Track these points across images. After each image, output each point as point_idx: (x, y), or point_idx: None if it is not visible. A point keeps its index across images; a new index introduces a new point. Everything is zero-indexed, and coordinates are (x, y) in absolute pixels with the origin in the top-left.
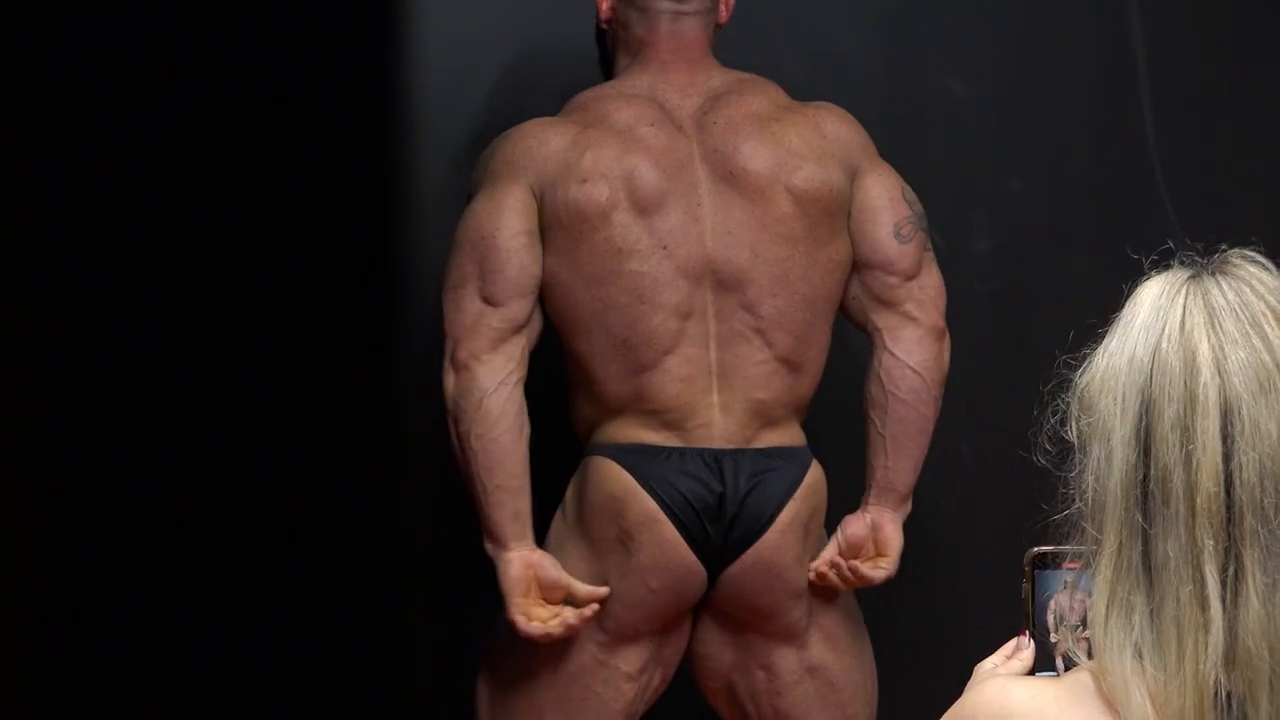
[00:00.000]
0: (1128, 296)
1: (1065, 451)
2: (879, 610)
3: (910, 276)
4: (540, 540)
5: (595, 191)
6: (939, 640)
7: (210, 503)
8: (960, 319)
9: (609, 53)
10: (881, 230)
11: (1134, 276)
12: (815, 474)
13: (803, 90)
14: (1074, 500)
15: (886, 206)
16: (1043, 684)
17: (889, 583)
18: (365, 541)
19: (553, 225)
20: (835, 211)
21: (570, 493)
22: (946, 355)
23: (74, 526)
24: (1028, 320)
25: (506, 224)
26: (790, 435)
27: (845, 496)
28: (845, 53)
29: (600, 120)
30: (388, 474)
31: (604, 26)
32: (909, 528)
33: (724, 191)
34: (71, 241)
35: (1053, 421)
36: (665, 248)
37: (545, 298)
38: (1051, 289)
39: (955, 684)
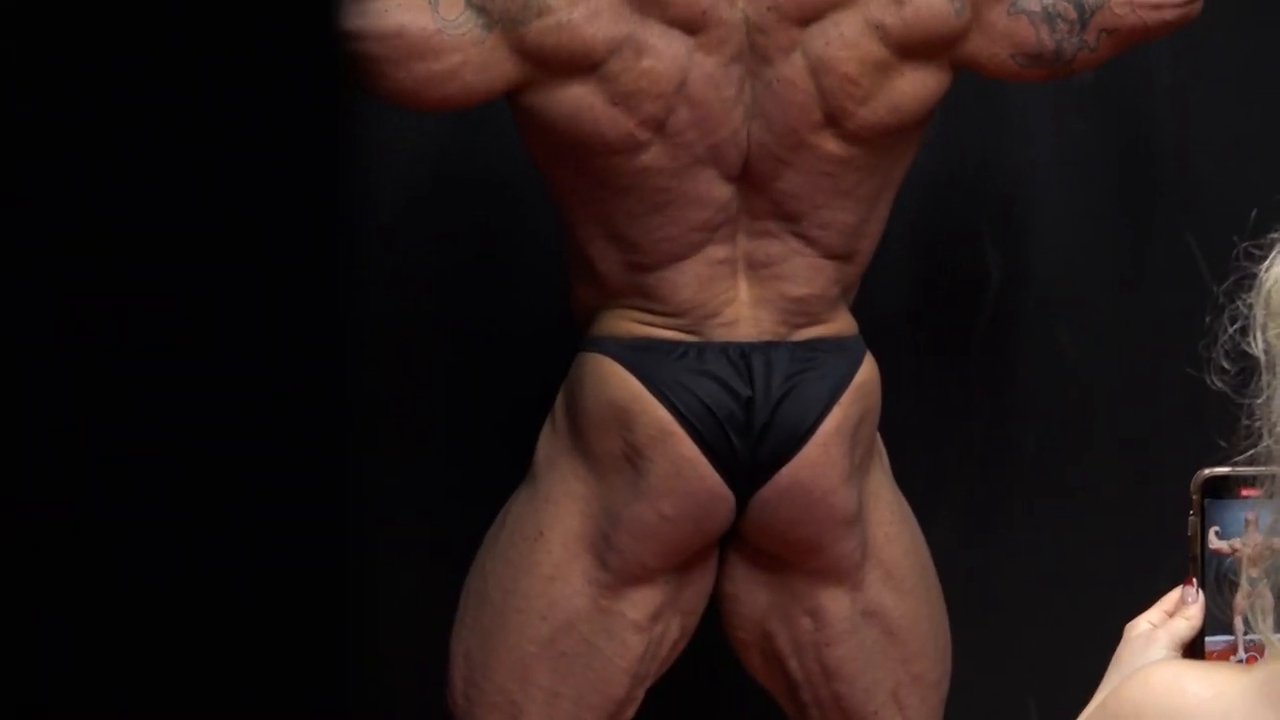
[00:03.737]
0: None
1: (1248, 371)
2: (961, 548)
3: (1070, 54)
4: (527, 457)
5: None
6: (1042, 585)
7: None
8: (1078, 183)
9: None
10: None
11: None
12: (868, 370)
13: None
14: (1261, 435)
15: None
16: (1229, 675)
17: (987, 511)
18: (320, 485)
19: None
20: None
21: (562, 398)
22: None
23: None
24: (1187, 191)
25: None
26: (838, 324)
27: (901, 398)
28: None
29: None
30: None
31: None
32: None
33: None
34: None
35: (1231, 331)
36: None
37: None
38: (1216, 148)
39: (1072, 644)
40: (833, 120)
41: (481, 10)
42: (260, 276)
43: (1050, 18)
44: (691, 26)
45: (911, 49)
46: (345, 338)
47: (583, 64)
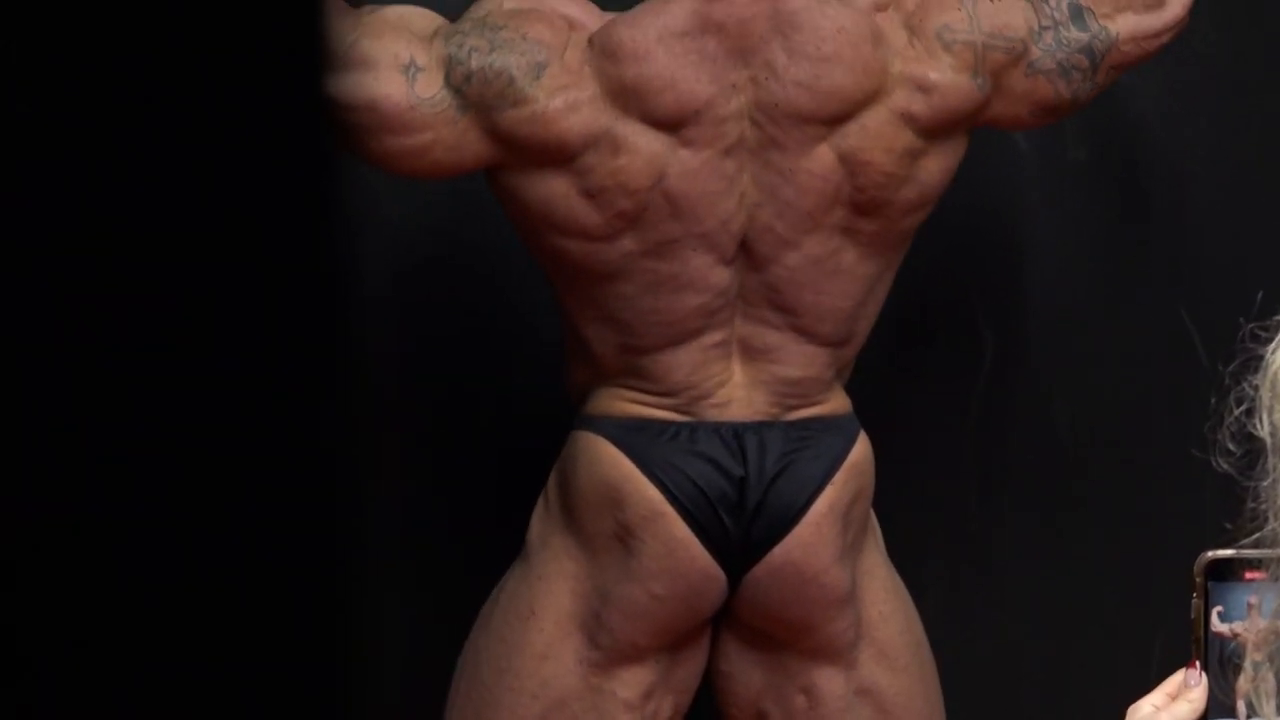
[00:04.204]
0: None
1: (1254, 453)
2: (955, 625)
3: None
4: (521, 534)
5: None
6: (1040, 664)
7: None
8: (1084, 264)
9: None
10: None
11: None
12: (861, 449)
13: None
14: (1266, 517)
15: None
16: None
17: (980, 589)
18: (313, 570)
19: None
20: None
21: (555, 477)
22: None
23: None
24: (1181, 268)
25: None
26: (832, 404)
27: (895, 475)
28: None
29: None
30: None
31: None
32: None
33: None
34: None
35: (1237, 414)
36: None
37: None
38: (1211, 226)
39: None
40: (859, 207)
41: (458, 91)
42: (247, 359)
43: (1066, 71)
44: (674, 124)
45: (939, 131)
46: (338, 413)
47: (556, 156)
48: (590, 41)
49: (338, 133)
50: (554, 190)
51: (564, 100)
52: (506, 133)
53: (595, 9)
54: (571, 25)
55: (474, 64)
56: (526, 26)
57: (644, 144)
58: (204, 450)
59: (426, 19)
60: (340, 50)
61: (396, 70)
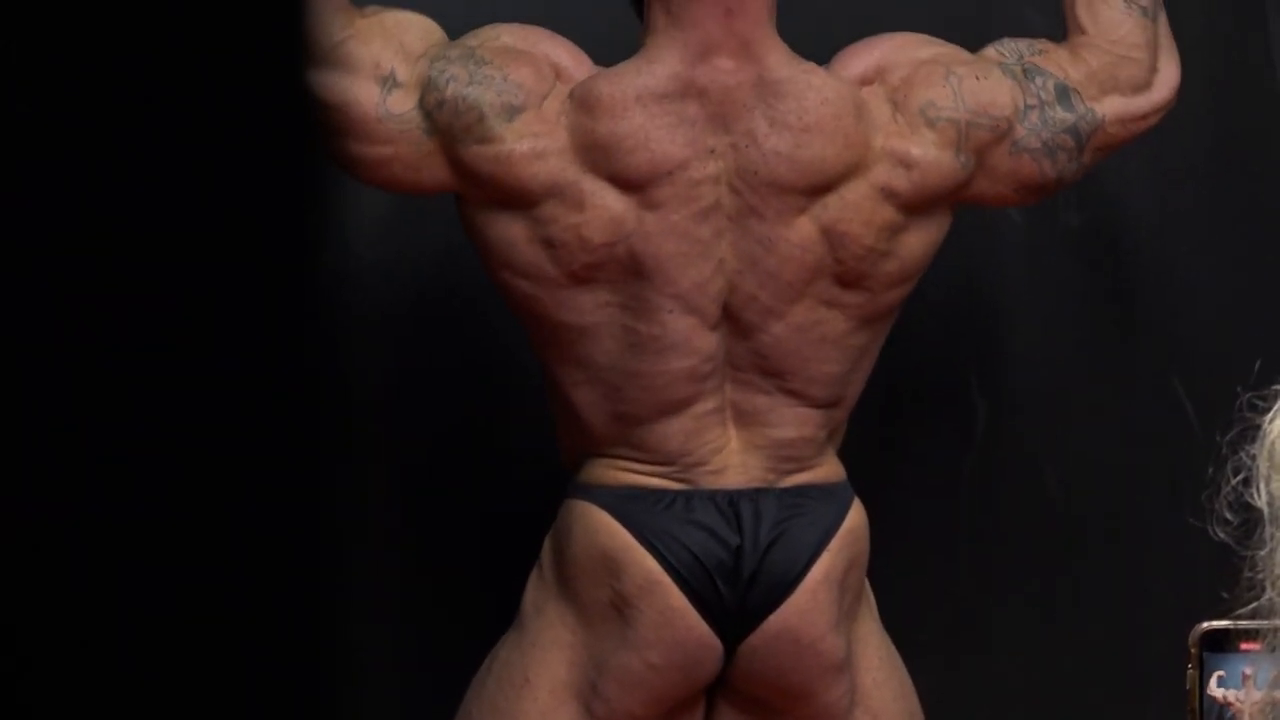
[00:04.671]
0: None
1: (1251, 522)
2: (948, 692)
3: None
4: (514, 603)
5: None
6: None
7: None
8: (1077, 331)
9: None
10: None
11: None
12: (856, 516)
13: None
14: (1263, 586)
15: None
16: None
17: (973, 656)
18: (303, 640)
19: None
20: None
21: (549, 545)
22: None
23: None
24: (1172, 336)
25: None
26: (826, 470)
27: (888, 542)
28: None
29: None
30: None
31: None
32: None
33: None
34: None
35: (1234, 483)
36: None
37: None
38: (1201, 295)
39: None
40: (841, 280)
41: (429, 115)
42: (230, 426)
43: (1051, 151)
44: (642, 184)
45: (920, 207)
46: (325, 478)
47: (516, 200)
48: (571, 93)
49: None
50: (513, 233)
51: (531, 147)
52: (468, 166)
53: (587, 60)
54: (559, 74)
55: (449, 92)
56: (511, 67)
57: (608, 202)
58: (171, 511)
59: (422, 33)
60: (328, 45)
61: (374, 80)
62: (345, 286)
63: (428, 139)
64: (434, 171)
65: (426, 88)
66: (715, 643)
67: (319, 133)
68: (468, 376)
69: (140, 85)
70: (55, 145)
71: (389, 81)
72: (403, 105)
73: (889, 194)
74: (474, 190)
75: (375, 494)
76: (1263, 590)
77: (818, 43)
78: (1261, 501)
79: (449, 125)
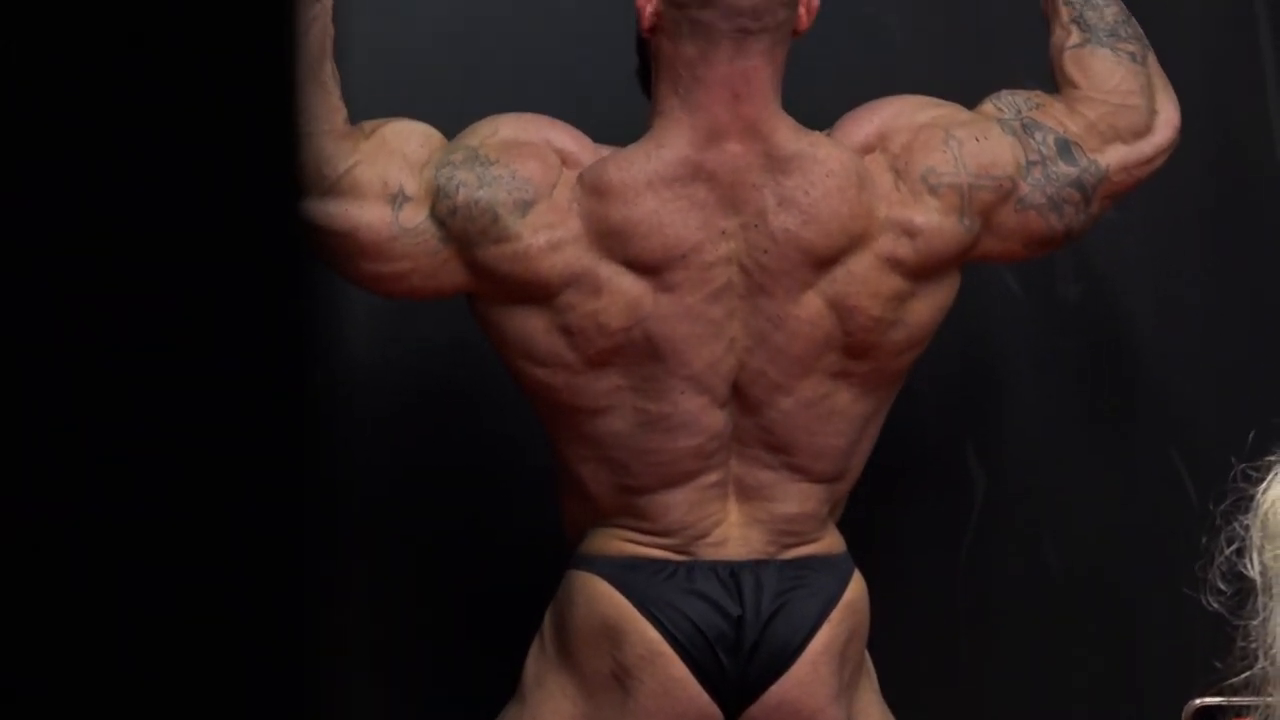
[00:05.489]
0: None
1: (1244, 592)
2: None
3: (1077, 227)
4: (515, 676)
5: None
6: None
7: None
8: (1074, 402)
9: (648, 65)
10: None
11: None
12: (856, 588)
13: (857, 89)
14: (1256, 657)
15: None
16: None
17: None
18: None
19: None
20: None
21: (550, 616)
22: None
23: None
24: (1170, 407)
25: None
26: (827, 542)
27: (887, 613)
28: (909, 52)
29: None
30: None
31: (645, 35)
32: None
33: None
34: None
35: (1228, 553)
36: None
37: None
38: (1198, 365)
39: None
40: (850, 351)
41: (442, 223)
42: (225, 499)
43: (1057, 205)
44: (658, 267)
45: (926, 273)
46: (324, 550)
47: (536, 293)
48: (580, 178)
49: (319, 253)
50: (532, 325)
51: (547, 239)
52: (487, 267)
53: (589, 142)
54: (564, 160)
55: (460, 198)
56: (518, 163)
57: (625, 286)
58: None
59: (422, 140)
60: (334, 177)
61: (383, 200)
62: (341, 385)
63: (444, 247)
64: (452, 276)
65: (437, 196)
66: (716, 713)
67: (318, 244)
68: (468, 462)
69: (140, 199)
70: (50, 273)
71: (399, 198)
72: (415, 218)
73: (894, 263)
74: (492, 288)
75: (377, 567)
76: (1256, 660)
77: (821, 105)
78: (1254, 571)
79: (463, 230)
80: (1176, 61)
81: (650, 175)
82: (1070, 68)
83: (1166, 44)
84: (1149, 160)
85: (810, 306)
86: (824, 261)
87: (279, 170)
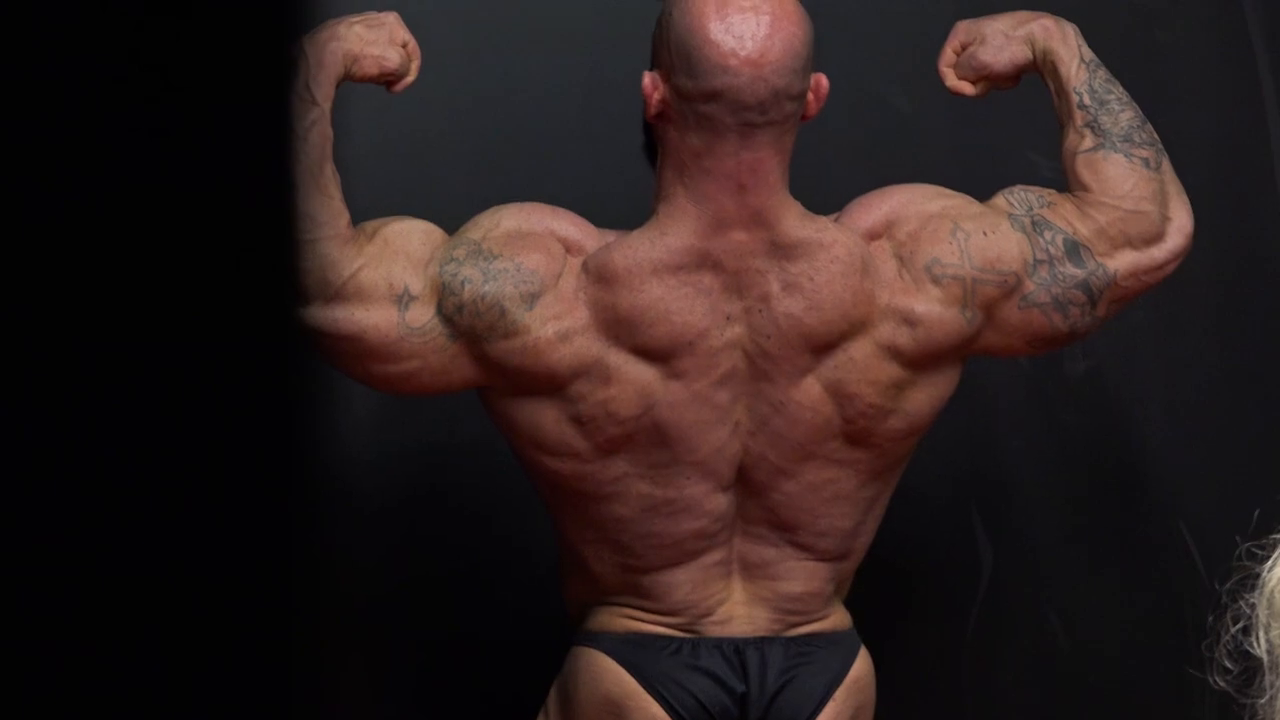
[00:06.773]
0: None
1: (1250, 671)
2: None
3: (1084, 326)
4: None
5: None
6: None
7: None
8: (1082, 477)
9: (654, 146)
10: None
11: None
12: (862, 665)
13: (866, 168)
14: None
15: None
16: None
17: None
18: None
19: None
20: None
21: (555, 692)
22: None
23: None
24: (1177, 481)
25: None
26: (833, 620)
27: (894, 689)
28: (918, 123)
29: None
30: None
31: (651, 121)
32: None
33: None
34: None
35: (1234, 631)
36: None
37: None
38: (1206, 440)
39: None
40: (851, 438)
41: (449, 320)
42: (213, 599)
43: (1062, 305)
44: (666, 355)
45: (925, 363)
46: (322, 638)
47: (546, 385)
48: (585, 265)
49: (327, 357)
50: (543, 415)
51: (555, 330)
52: (497, 361)
53: (592, 227)
54: (568, 248)
55: (466, 295)
56: (522, 255)
57: (634, 374)
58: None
59: (423, 239)
60: (339, 283)
61: (390, 301)
62: (338, 480)
63: (451, 343)
64: (461, 372)
65: (443, 294)
66: None
67: (327, 348)
68: (468, 542)
69: (135, 296)
70: (48, 336)
71: (404, 298)
72: (421, 318)
73: (893, 352)
74: (502, 381)
75: (381, 649)
76: None
77: (830, 185)
78: (1261, 650)
79: (471, 327)
80: (1187, 160)
81: (655, 262)
82: (1083, 172)
83: (1177, 146)
84: (1160, 266)
85: (810, 392)
86: (824, 347)
87: (276, 271)
